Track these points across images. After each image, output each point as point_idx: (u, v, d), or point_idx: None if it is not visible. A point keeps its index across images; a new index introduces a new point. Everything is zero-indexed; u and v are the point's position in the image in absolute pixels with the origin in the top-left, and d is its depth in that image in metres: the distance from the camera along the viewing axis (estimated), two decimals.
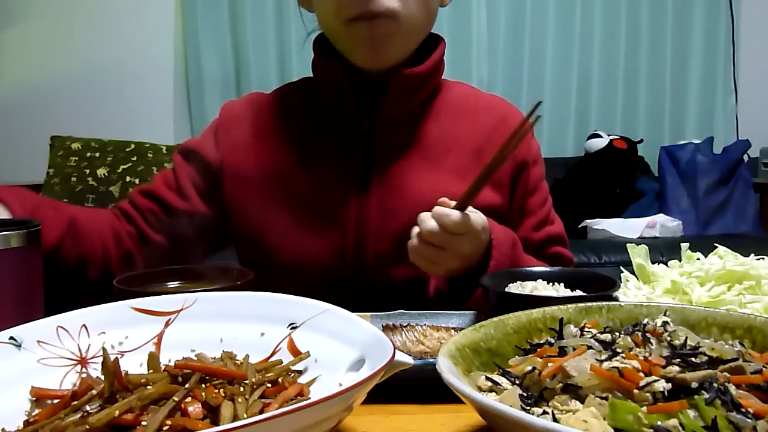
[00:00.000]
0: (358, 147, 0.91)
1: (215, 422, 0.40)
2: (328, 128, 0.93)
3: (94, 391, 0.43)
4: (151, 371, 0.48)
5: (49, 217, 0.81)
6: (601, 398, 0.39)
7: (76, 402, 0.43)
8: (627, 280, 0.78)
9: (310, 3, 0.92)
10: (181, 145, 1.00)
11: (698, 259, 0.76)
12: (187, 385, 0.42)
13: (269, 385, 0.46)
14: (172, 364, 0.47)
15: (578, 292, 0.67)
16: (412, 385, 0.51)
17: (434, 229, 0.74)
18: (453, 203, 0.75)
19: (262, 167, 0.92)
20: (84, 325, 0.52)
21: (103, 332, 0.53)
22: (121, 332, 0.53)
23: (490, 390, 0.45)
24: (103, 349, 0.46)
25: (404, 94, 0.90)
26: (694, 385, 0.38)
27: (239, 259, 0.97)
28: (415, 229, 0.77)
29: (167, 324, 0.55)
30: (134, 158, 2.63)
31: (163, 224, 0.93)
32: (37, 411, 0.45)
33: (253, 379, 0.46)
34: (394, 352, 0.43)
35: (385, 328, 0.65)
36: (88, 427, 0.39)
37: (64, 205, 0.87)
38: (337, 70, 0.89)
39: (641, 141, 3.03)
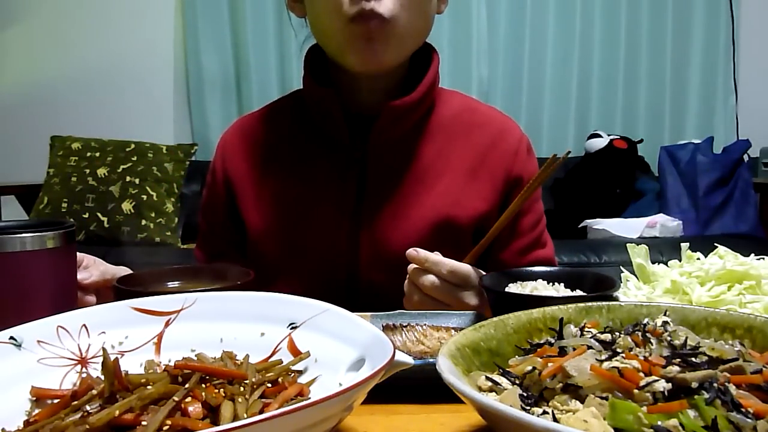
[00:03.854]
0: (351, 174, 0.90)
1: (215, 422, 0.40)
2: (320, 153, 0.92)
3: (94, 391, 0.43)
4: (150, 371, 0.48)
5: None
6: (601, 398, 0.39)
7: (76, 402, 0.43)
8: (627, 280, 0.77)
9: (299, 7, 0.90)
10: (200, 207, 1.02)
11: (698, 259, 0.76)
12: (187, 385, 0.42)
13: (269, 385, 0.46)
14: (172, 364, 0.47)
15: (578, 292, 0.67)
16: (412, 385, 0.51)
17: (435, 282, 0.75)
18: (422, 252, 0.76)
19: (257, 195, 0.93)
20: (84, 325, 0.52)
21: (103, 332, 0.53)
22: (121, 332, 0.53)
23: (490, 390, 0.45)
24: (103, 349, 0.46)
25: (396, 121, 0.89)
26: (694, 385, 0.38)
27: None
28: (408, 284, 0.77)
29: (167, 324, 0.55)
30: (134, 158, 2.63)
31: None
32: (37, 411, 0.45)
33: (253, 379, 0.46)
34: (394, 352, 0.43)
35: (385, 328, 0.65)
36: (88, 427, 0.39)
37: None
38: (329, 99, 0.88)
39: (641, 141, 3.03)
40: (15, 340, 0.49)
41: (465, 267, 0.77)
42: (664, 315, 0.52)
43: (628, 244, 0.79)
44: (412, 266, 0.77)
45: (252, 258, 0.93)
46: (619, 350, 0.45)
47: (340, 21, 0.81)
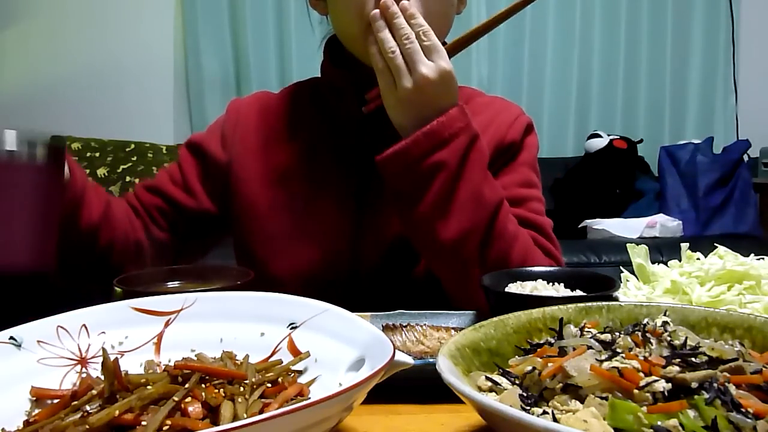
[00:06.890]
0: (359, 157, 0.90)
1: (215, 422, 0.40)
2: (331, 135, 0.93)
3: (94, 391, 0.43)
4: (150, 371, 0.48)
5: (92, 197, 0.82)
6: (601, 398, 0.39)
7: (76, 402, 0.43)
8: (627, 280, 0.78)
9: (322, 5, 0.90)
10: (188, 139, 1.00)
11: (698, 259, 0.76)
12: (187, 385, 0.42)
13: (269, 385, 0.46)
14: (172, 364, 0.47)
15: (578, 292, 0.67)
16: (412, 385, 0.51)
17: (408, 34, 0.75)
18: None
19: (265, 171, 0.93)
20: (84, 325, 0.52)
21: (103, 332, 0.53)
22: (121, 332, 0.53)
23: (490, 390, 0.45)
24: (103, 349, 0.46)
25: None
26: (694, 385, 0.38)
27: (236, 257, 0.97)
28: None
29: (167, 324, 0.55)
30: (134, 158, 2.63)
31: (167, 221, 0.94)
32: (37, 411, 0.45)
33: (253, 379, 0.46)
34: (394, 352, 0.43)
35: (385, 328, 0.65)
36: (88, 427, 0.39)
37: (98, 186, 0.88)
38: (343, 78, 0.89)
39: (641, 141, 3.04)
40: (15, 340, 0.49)
41: (441, 48, 0.76)
42: (664, 315, 0.52)
43: (628, 244, 0.79)
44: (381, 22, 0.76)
45: (255, 236, 0.92)
46: (619, 350, 0.45)
47: (361, 25, 0.81)
